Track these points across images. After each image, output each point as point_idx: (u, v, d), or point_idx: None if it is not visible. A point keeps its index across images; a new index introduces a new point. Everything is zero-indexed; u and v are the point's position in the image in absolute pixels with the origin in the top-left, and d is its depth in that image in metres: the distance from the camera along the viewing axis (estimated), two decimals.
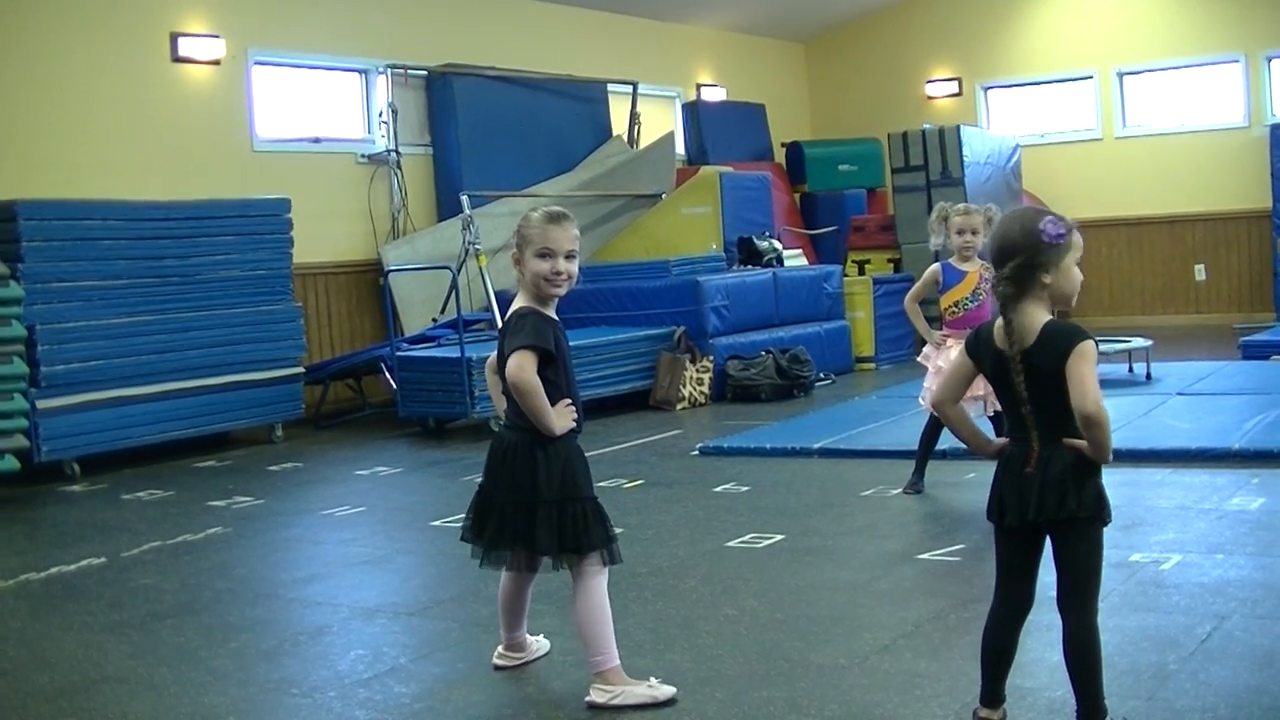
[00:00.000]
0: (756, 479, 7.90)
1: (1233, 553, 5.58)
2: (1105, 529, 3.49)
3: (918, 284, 7.30)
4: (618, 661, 4.19)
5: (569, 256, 4.23)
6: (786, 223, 16.12)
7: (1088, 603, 3.46)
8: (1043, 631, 4.14)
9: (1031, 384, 3.41)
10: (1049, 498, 3.40)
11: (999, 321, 3.47)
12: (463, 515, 4.45)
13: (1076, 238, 3.47)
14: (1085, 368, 3.35)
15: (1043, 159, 17.34)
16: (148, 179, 11.16)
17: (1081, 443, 3.41)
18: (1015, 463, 3.48)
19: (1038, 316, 3.44)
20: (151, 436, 10.05)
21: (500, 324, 11.18)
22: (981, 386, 3.65)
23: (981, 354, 3.54)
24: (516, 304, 4.28)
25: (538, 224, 4.24)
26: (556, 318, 4.31)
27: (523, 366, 4.12)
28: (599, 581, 4.23)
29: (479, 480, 4.42)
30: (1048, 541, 3.50)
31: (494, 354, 4.49)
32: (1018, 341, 3.43)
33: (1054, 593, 3.50)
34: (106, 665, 4.94)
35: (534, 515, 4.19)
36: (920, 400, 7.27)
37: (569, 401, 4.25)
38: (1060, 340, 3.39)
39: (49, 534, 7.68)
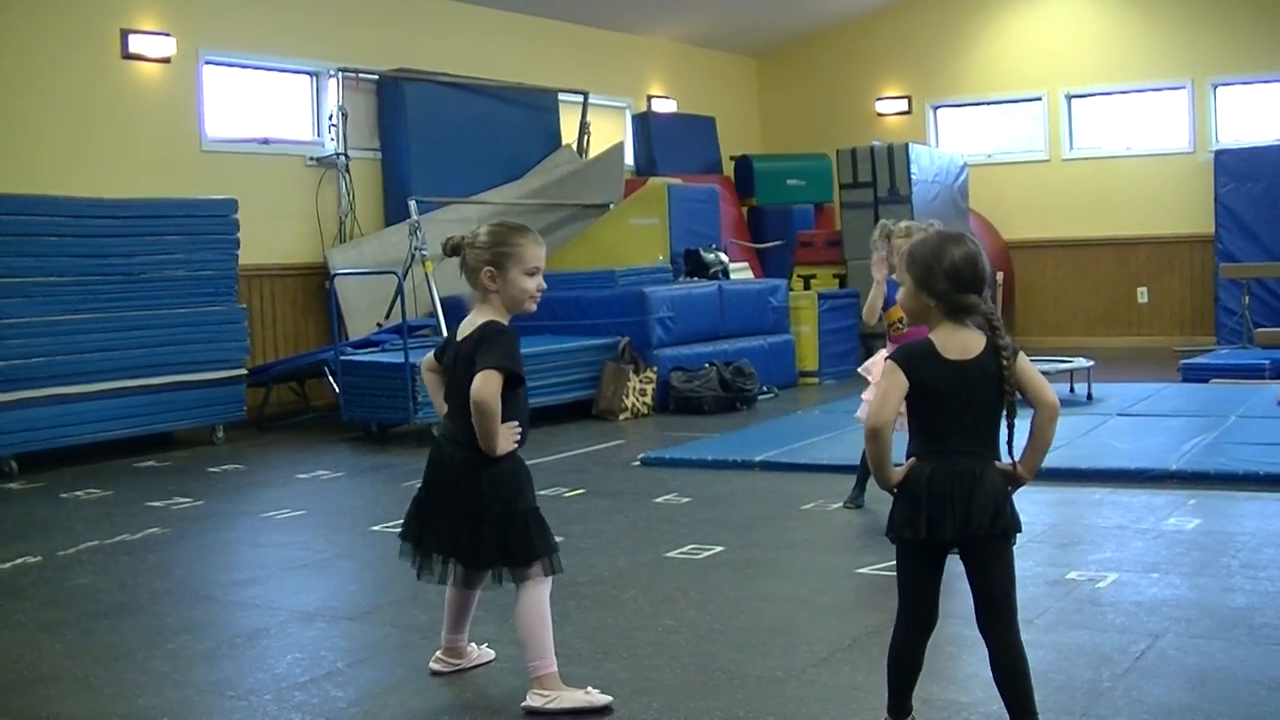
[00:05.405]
0: (698, 490, 7.92)
1: (1168, 572, 5.63)
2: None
3: (871, 297, 7.09)
4: (555, 667, 4.19)
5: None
6: (734, 236, 16.14)
7: (1010, 622, 3.51)
8: (978, 646, 4.15)
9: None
10: (984, 514, 3.44)
11: (962, 334, 3.51)
12: (403, 522, 4.43)
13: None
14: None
15: (990, 179, 17.43)
16: (95, 176, 11.08)
17: (1008, 465, 3.49)
18: (946, 477, 3.50)
19: None
20: (92, 435, 9.97)
21: (445, 329, 11.15)
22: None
23: (926, 368, 3.54)
24: (484, 316, 4.24)
25: (524, 242, 4.22)
26: None
27: (489, 387, 4.07)
28: (542, 588, 4.22)
29: (419, 484, 4.41)
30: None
31: (431, 353, 4.47)
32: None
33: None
34: (41, 665, 4.90)
35: (478, 533, 4.19)
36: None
37: (516, 424, 4.22)
38: None
39: None
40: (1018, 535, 3.54)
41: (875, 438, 3.57)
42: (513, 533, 4.19)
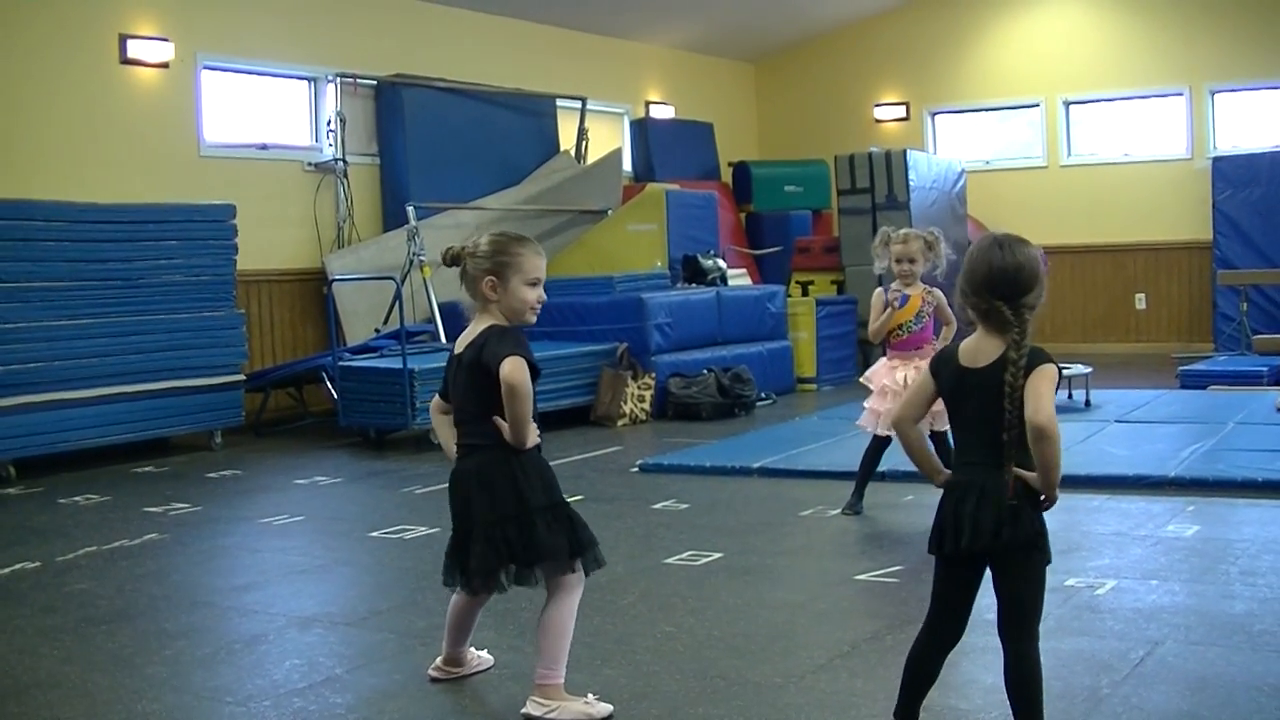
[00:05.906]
0: (696, 497, 7.91)
1: (1167, 579, 5.63)
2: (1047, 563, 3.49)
3: (874, 314, 7.04)
4: (562, 679, 4.17)
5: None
6: (731, 242, 16.14)
7: (1028, 633, 3.47)
8: (979, 654, 4.16)
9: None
10: (983, 529, 3.41)
11: (985, 342, 3.49)
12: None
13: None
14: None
15: (988, 185, 17.43)
16: (93, 180, 11.08)
17: (1029, 474, 3.43)
18: (957, 489, 3.50)
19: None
20: (90, 440, 9.96)
21: (444, 335, 11.16)
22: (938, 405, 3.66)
23: (943, 373, 3.55)
24: (485, 323, 4.21)
25: (525, 252, 4.20)
26: None
27: (519, 371, 4.05)
28: (575, 594, 4.22)
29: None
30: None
31: (437, 395, 4.44)
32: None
33: (993, 617, 3.52)
34: (39, 670, 4.89)
35: (529, 527, 4.15)
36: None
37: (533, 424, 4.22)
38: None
39: None
40: (1034, 551, 3.46)
41: (898, 434, 3.64)
42: (545, 527, 4.17)
